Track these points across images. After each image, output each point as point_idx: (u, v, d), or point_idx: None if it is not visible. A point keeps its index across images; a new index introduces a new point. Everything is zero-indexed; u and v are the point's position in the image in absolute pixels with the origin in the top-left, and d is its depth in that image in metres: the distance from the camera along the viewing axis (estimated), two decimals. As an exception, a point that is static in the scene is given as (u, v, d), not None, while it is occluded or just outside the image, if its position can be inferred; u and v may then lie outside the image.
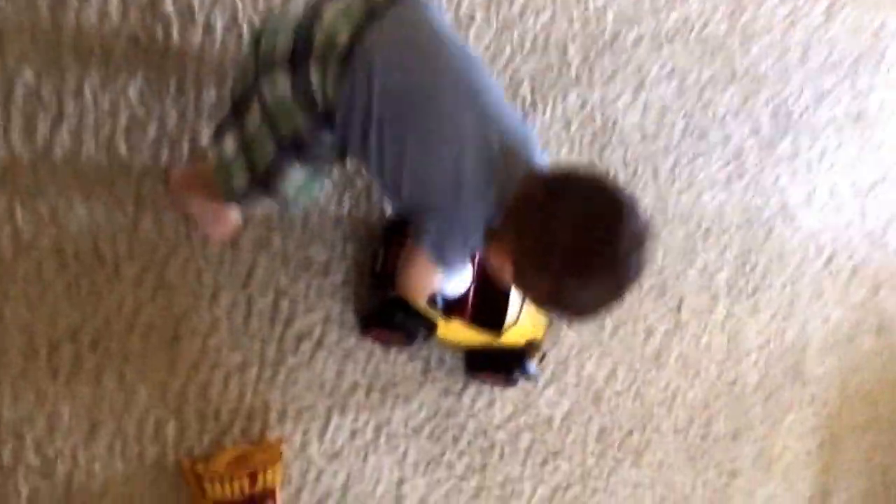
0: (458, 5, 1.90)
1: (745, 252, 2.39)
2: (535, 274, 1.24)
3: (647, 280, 2.17)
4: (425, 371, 1.83)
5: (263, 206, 1.44)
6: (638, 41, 2.24)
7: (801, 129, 2.56)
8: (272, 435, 1.65)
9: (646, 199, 2.20)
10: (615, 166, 2.16)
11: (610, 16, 2.17)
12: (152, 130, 1.55)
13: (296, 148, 1.28)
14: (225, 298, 1.61)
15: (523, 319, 1.73)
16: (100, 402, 1.50)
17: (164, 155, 1.56)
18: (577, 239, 1.19)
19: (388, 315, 1.65)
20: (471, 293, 1.66)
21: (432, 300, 1.61)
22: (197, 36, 1.59)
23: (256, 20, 1.63)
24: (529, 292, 1.30)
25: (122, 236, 1.52)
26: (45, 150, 1.47)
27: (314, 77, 1.23)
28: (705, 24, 2.37)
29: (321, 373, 1.71)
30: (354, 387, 1.74)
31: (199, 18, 1.59)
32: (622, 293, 1.24)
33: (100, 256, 1.50)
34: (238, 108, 1.32)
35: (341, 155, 1.35)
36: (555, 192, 1.23)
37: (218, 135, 1.37)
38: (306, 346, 1.69)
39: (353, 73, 1.22)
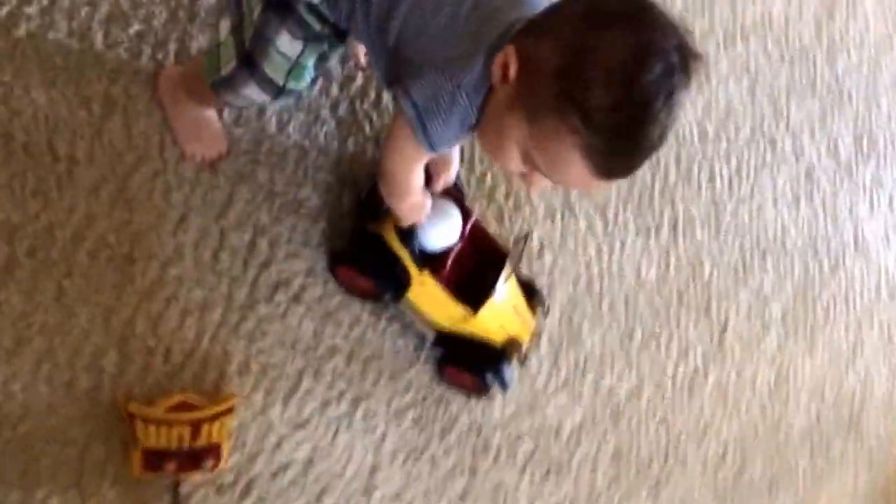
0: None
1: (808, 282, 2.15)
2: (543, 47, 1.02)
3: (688, 291, 1.93)
4: (418, 349, 1.61)
5: (254, 96, 1.25)
6: (708, 32, 2.04)
7: (886, 158, 2.33)
8: (228, 388, 1.44)
9: (699, 204, 1.97)
10: (666, 163, 1.94)
11: (679, 1, 1.98)
12: (136, 26, 1.39)
13: (281, 8, 1.16)
14: (194, 226, 1.42)
15: (506, 306, 1.52)
16: (30, 316, 1.30)
17: (145, 56, 1.40)
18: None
19: (361, 252, 1.47)
20: (453, 254, 1.48)
21: (408, 235, 1.40)
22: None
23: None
24: (536, 83, 1.04)
25: (83, 136, 1.34)
26: (9, 23, 1.30)
27: None
28: (787, 26, 2.16)
29: (296, 329, 1.50)
30: (333, 351, 1.54)
31: None
32: (650, 77, 0.97)
33: (54, 153, 1.33)
34: None
35: (331, 29, 1.21)
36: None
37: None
38: (282, 297, 1.49)
39: None
